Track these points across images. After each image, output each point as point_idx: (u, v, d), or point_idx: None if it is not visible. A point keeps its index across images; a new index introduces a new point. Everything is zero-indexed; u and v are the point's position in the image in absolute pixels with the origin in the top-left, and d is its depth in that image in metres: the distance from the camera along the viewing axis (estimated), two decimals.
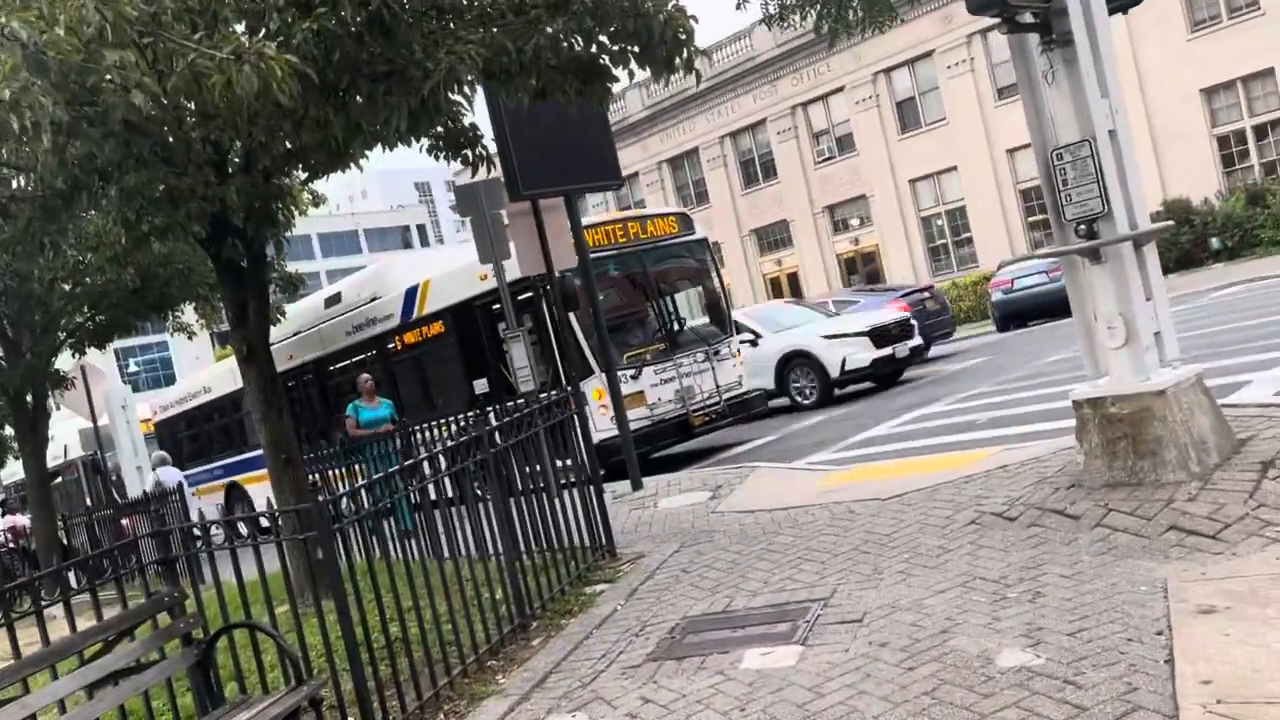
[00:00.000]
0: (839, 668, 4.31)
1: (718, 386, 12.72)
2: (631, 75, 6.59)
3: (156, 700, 5.08)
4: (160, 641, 4.57)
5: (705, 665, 4.75)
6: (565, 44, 5.98)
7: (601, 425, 11.49)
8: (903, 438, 10.43)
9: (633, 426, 11.40)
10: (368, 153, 7.13)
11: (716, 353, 12.91)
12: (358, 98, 5.71)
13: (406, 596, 5.19)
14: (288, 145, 6.62)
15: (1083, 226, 5.63)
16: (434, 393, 14.49)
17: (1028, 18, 5.57)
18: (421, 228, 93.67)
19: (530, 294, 12.03)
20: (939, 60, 33.83)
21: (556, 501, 6.66)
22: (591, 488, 7.02)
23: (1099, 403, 5.66)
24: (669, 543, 7.29)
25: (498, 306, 12.09)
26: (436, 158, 7.22)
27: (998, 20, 5.57)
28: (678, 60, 5.99)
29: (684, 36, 5.95)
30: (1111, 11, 5.79)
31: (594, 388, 11.74)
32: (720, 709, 4.20)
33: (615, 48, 6.11)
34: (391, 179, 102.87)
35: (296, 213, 8.33)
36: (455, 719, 4.95)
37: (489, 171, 7.82)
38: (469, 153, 6.94)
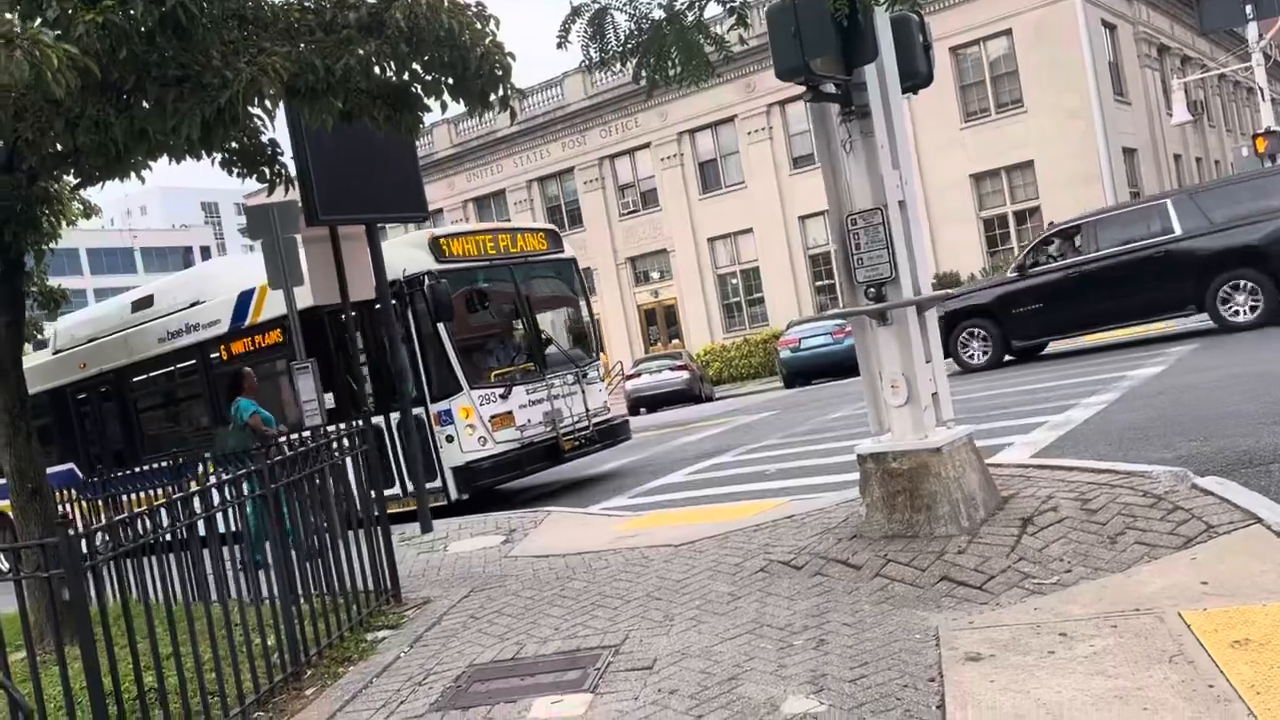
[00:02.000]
0: (627, 716, 4.25)
1: (587, 410, 12.36)
2: (444, 106, 6.48)
3: None
4: None
5: (493, 715, 4.58)
6: (377, 68, 5.80)
7: (469, 446, 11.19)
8: (696, 485, 10.61)
9: (501, 449, 11.31)
10: (152, 163, 6.64)
11: (585, 375, 12.57)
12: (144, 101, 5.30)
13: (167, 643, 4.76)
14: (58, 146, 6.07)
15: (872, 290, 5.92)
16: (269, 408, 13.47)
17: (830, 88, 5.85)
18: (206, 249, 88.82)
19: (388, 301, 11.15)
20: (740, 125, 35.31)
21: (339, 543, 6.31)
22: (377, 528, 6.71)
23: (881, 457, 5.93)
24: (458, 587, 7.06)
25: (350, 315, 11.22)
26: (230, 173, 6.81)
27: (802, 88, 5.82)
28: (493, 96, 5.93)
29: (500, 73, 5.89)
30: (904, 91, 6.17)
31: (461, 405, 11.29)
32: None
33: (429, 77, 5.98)
34: (175, 196, 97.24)
35: (64, 222, 7.64)
36: None
37: (286, 192, 7.46)
38: (266, 170, 6.58)
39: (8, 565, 3.99)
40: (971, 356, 16.03)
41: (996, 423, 10.07)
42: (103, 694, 4.16)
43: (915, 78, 6.20)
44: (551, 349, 12.70)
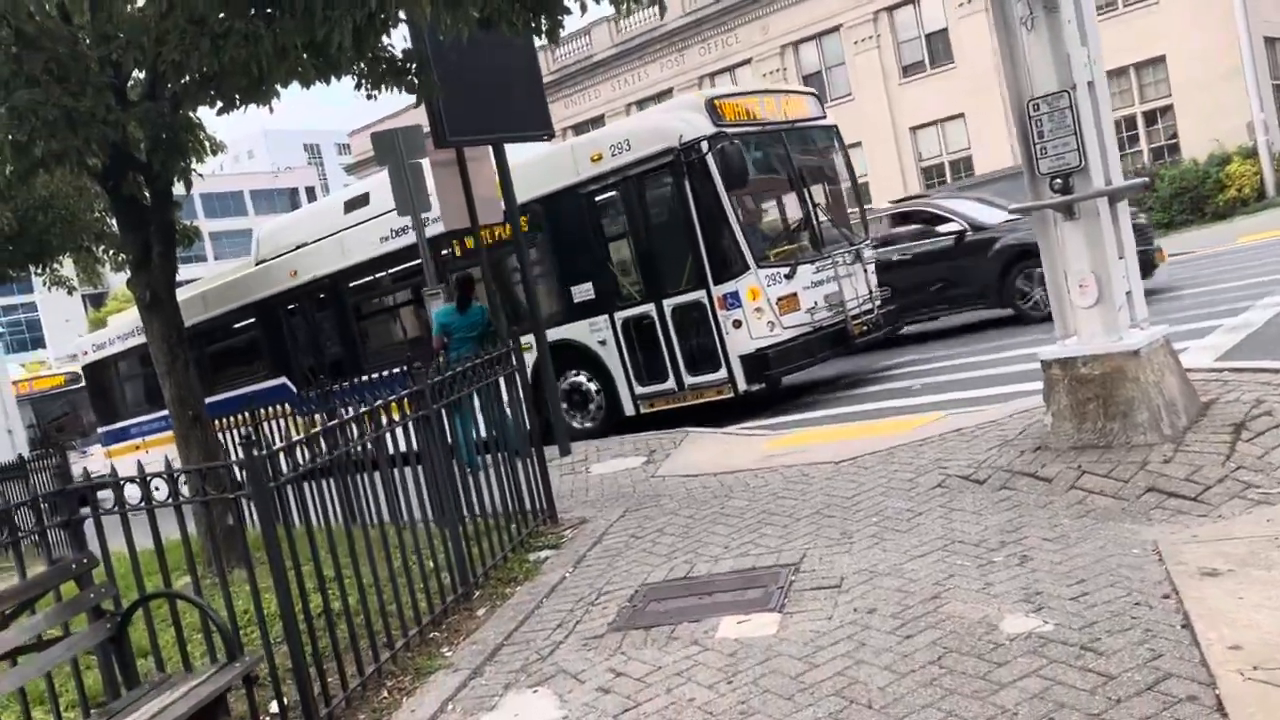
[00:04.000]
0: (827, 636, 4.04)
1: (871, 291, 11.24)
2: (584, 7, 6.14)
3: (59, 681, 4.50)
4: (66, 615, 4.00)
5: (676, 635, 4.42)
6: None
7: (758, 331, 10.07)
8: (835, 402, 10.27)
9: (790, 334, 10.27)
10: (295, 84, 6.49)
11: (861, 255, 11.36)
12: (291, 14, 5.11)
13: (334, 565, 4.71)
14: (204, 68, 5.96)
15: (1058, 181, 5.45)
16: (510, 306, 12.30)
17: None
18: (311, 190, 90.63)
19: (651, 172, 10.40)
20: (846, 35, 33.97)
21: (502, 462, 6.22)
22: (533, 448, 6.60)
23: (1069, 363, 5.51)
24: (612, 508, 6.93)
25: (608, 195, 10.75)
26: (370, 90, 6.61)
27: None
28: None
29: None
30: None
31: (749, 286, 10.11)
32: (704, 681, 3.88)
33: None
34: (279, 139, 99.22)
35: (208, 151, 7.60)
36: (400, 695, 4.51)
37: (418, 105, 7.23)
38: (414, 81, 6.34)
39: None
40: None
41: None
42: (294, 613, 4.11)
43: None
44: (828, 225, 11.39)
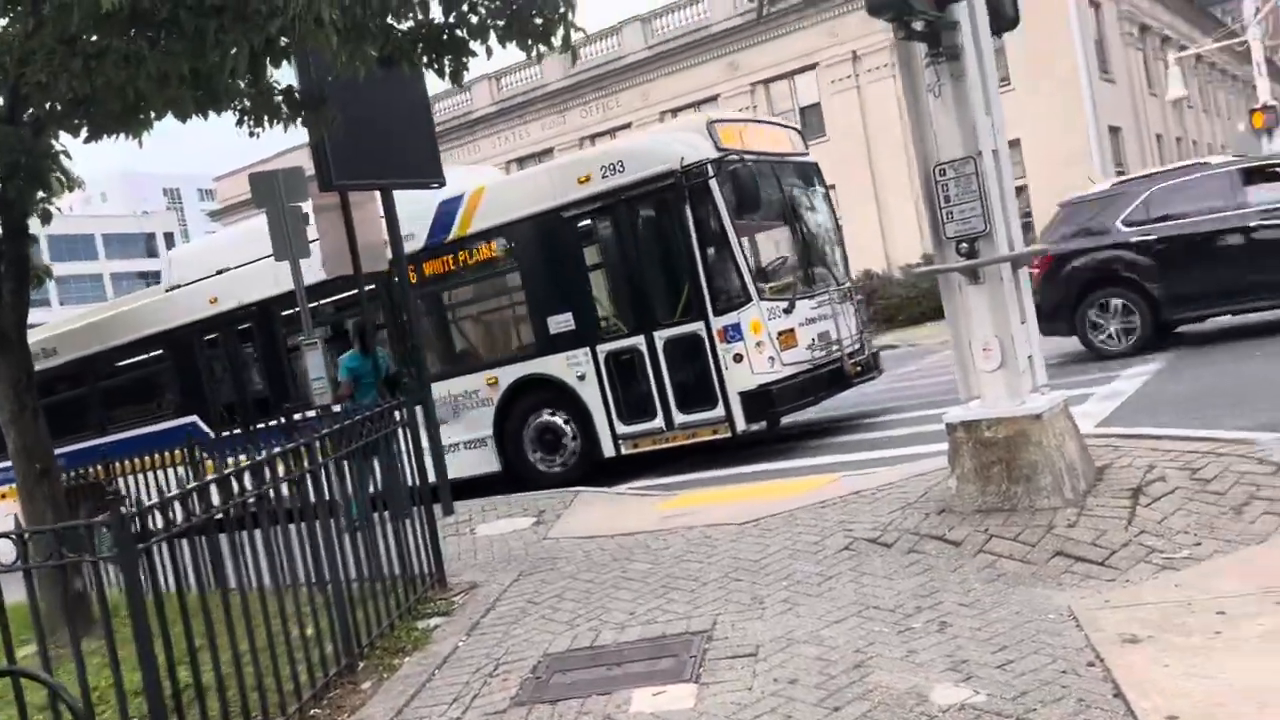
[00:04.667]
0: (749, 709, 3.82)
1: (861, 330, 10.95)
2: (490, 52, 5.96)
3: None
4: None
5: (587, 709, 4.13)
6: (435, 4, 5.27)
7: (760, 366, 9.54)
8: (725, 462, 10.16)
9: (789, 372, 9.78)
10: (162, 117, 6.06)
11: (849, 293, 11.13)
12: (178, 34, 4.74)
13: (207, 632, 4.24)
14: (72, 92, 5.49)
15: (964, 245, 5.51)
16: (478, 342, 11.72)
17: (920, 26, 5.41)
18: (169, 236, 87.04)
19: (661, 193, 9.79)
20: (723, 105, 34.80)
21: (387, 522, 5.82)
22: (422, 507, 6.22)
23: (974, 426, 5.52)
24: (504, 572, 6.58)
25: (595, 219, 10.14)
26: (250, 128, 6.22)
27: (892, 24, 5.39)
28: (556, 36, 5.43)
29: (563, 8, 5.40)
30: (993, 33, 5.75)
31: (751, 318, 9.60)
32: None
33: (482, 10, 5.46)
34: (137, 182, 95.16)
35: (67, 185, 7.03)
36: None
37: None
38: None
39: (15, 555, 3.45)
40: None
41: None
42: (159, 689, 3.66)
43: (1002, 19, 5.78)
44: (819, 261, 11.05)
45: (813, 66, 32.28)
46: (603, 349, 10.24)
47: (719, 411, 9.71)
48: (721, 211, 9.62)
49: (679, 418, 9.94)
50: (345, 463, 5.44)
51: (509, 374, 10.78)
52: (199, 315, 12.71)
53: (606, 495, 8.87)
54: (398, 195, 9.36)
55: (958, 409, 5.70)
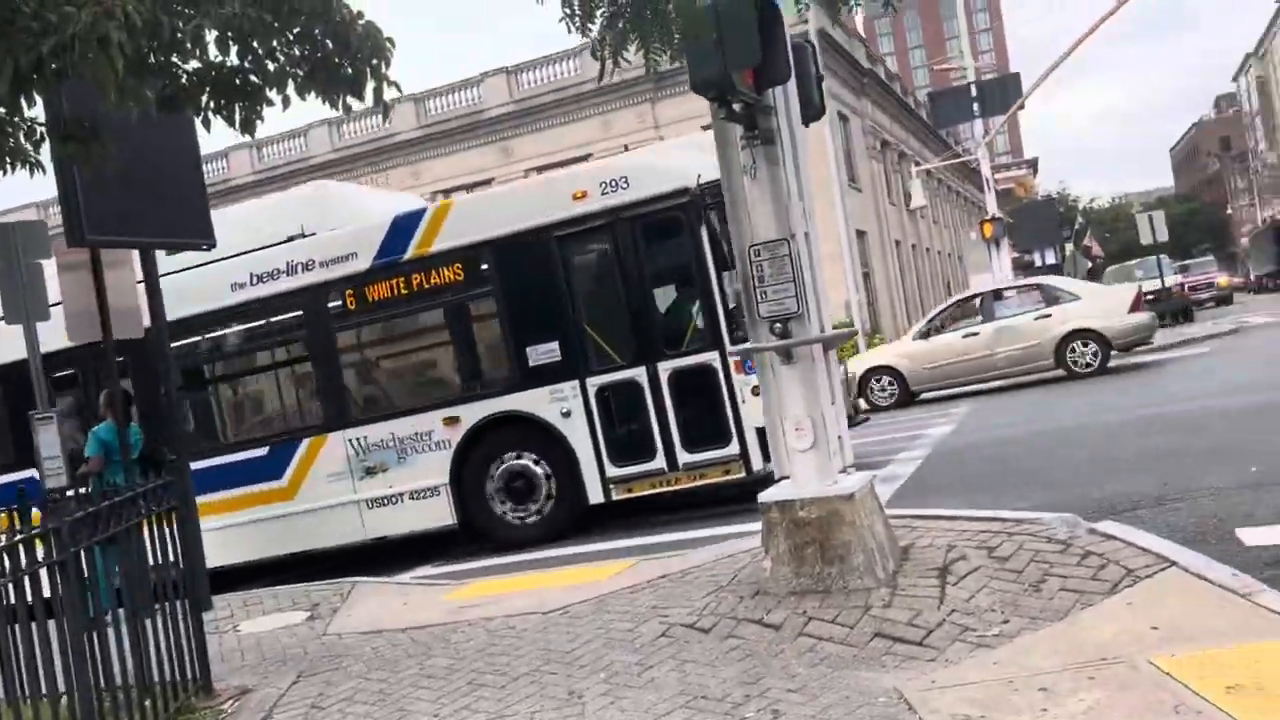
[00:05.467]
0: None
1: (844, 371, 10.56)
2: (286, 102, 5.49)
3: None
4: None
5: None
6: (232, 44, 4.76)
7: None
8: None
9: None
10: None
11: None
12: None
13: None
14: None
15: (778, 325, 5.54)
16: (434, 375, 10.55)
17: (738, 107, 5.47)
18: None
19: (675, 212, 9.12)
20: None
21: (143, 620, 5.04)
22: (185, 602, 5.46)
23: (788, 506, 5.48)
24: (280, 674, 5.87)
25: (592, 239, 9.38)
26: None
27: (713, 103, 5.42)
28: (368, 88, 5.06)
29: (376, 61, 5.05)
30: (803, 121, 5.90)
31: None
32: None
33: (284, 57, 5.02)
34: None
35: None
36: None
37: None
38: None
39: None
40: None
41: None
42: None
43: (810, 107, 5.95)
44: None
45: (586, 157, 32.96)
46: (594, 382, 9.34)
47: (732, 449, 9.03)
48: None
49: (684, 457, 9.14)
50: (87, 553, 4.66)
51: (474, 411, 9.67)
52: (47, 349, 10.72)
53: (389, 585, 8.26)
54: (333, 215, 9.26)
55: (772, 489, 5.66)
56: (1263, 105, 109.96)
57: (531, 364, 9.49)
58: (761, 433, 8.63)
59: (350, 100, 5.18)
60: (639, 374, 9.26)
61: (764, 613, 5.26)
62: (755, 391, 8.47)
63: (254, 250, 10.31)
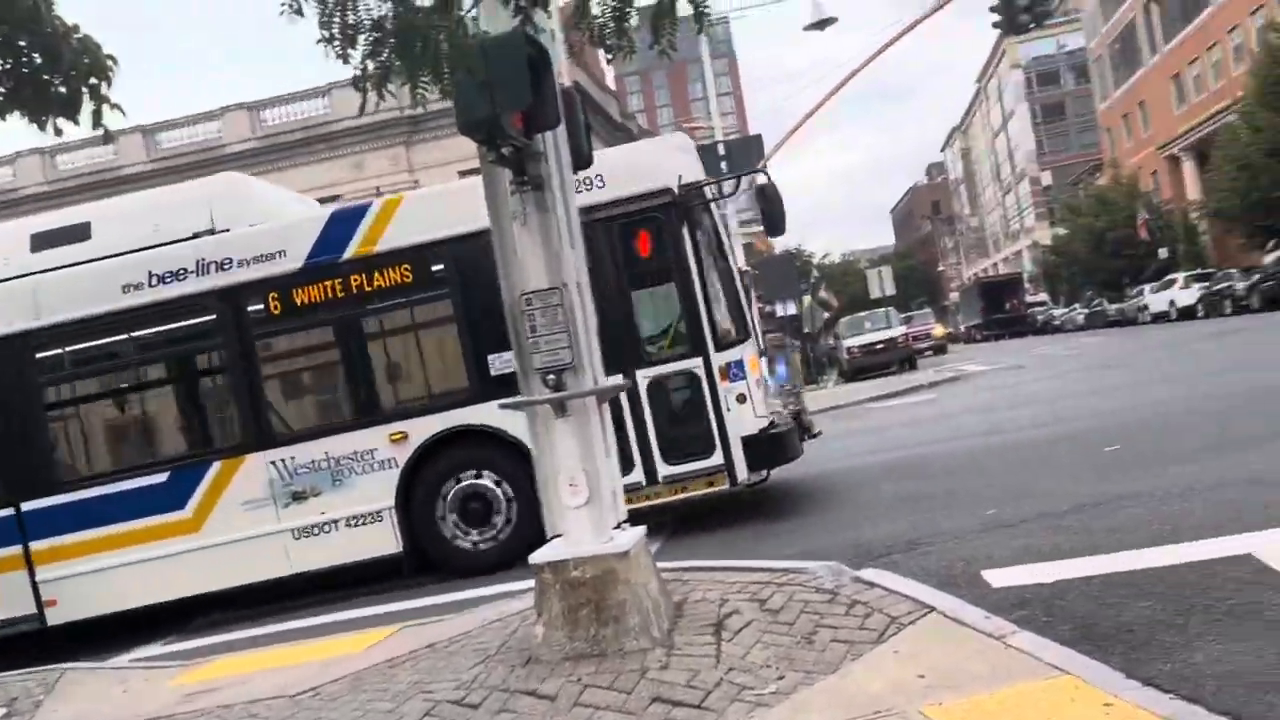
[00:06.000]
0: None
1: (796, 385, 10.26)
2: None
3: None
4: None
5: None
6: None
7: (760, 409, 8.79)
8: (248, 620, 8.89)
9: (777, 417, 9.14)
10: None
11: (783, 341, 10.18)
12: None
13: None
14: None
15: (551, 377, 5.33)
16: (377, 386, 9.40)
17: (508, 151, 5.26)
18: None
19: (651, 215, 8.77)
20: None
21: None
22: None
23: (561, 566, 5.24)
24: None
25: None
26: None
27: (481, 145, 5.18)
28: (85, 110, 4.45)
29: (95, 81, 4.46)
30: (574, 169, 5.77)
31: (750, 355, 8.78)
32: None
33: None
34: None
35: None
36: None
37: None
38: None
39: None
40: None
41: None
42: None
43: (580, 156, 5.83)
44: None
45: (336, 198, 31.76)
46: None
47: (716, 460, 8.69)
48: (724, 238, 9.01)
49: (664, 469, 8.74)
50: None
51: (425, 426, 8.91)
52: None
53: (103, 671, 7.29)
54: (250, 210, 9.11)
55: (544, 548, 5.40)
56: (966, 174, 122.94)
57: (494, 373, 8.86)
58: (747, 442, 8.73)
59: (62, 123, 4.53)
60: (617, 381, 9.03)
61: (538, 683, 4.97)
62: (740, 399, 8.74)
63: (151, 247, 9.25)
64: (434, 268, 9.15)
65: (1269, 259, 33.94)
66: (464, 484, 9.04)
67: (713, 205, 9.08)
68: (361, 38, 4.77)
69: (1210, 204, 39.69)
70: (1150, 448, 9.24)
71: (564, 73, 24.32)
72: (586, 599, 5.19)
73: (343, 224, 9.37)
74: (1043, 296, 68.27)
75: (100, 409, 9.98)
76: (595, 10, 5.01)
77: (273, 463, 9.07)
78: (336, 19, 4.68)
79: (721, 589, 5.85)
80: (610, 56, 5.37)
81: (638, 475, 8.80)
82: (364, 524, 9.04)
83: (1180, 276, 38.07)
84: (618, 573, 5.19)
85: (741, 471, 8.80)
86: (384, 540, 9.05)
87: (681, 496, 8.91)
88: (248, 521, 9.05)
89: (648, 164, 9.23)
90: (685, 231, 8.81)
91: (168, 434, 9.95)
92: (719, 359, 8.69)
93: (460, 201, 9.52)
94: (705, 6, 4.96)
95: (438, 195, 10.44)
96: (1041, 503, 7.57)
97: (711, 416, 8.76)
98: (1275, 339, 20.20)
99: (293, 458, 9.06)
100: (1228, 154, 35.30)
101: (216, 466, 9.15)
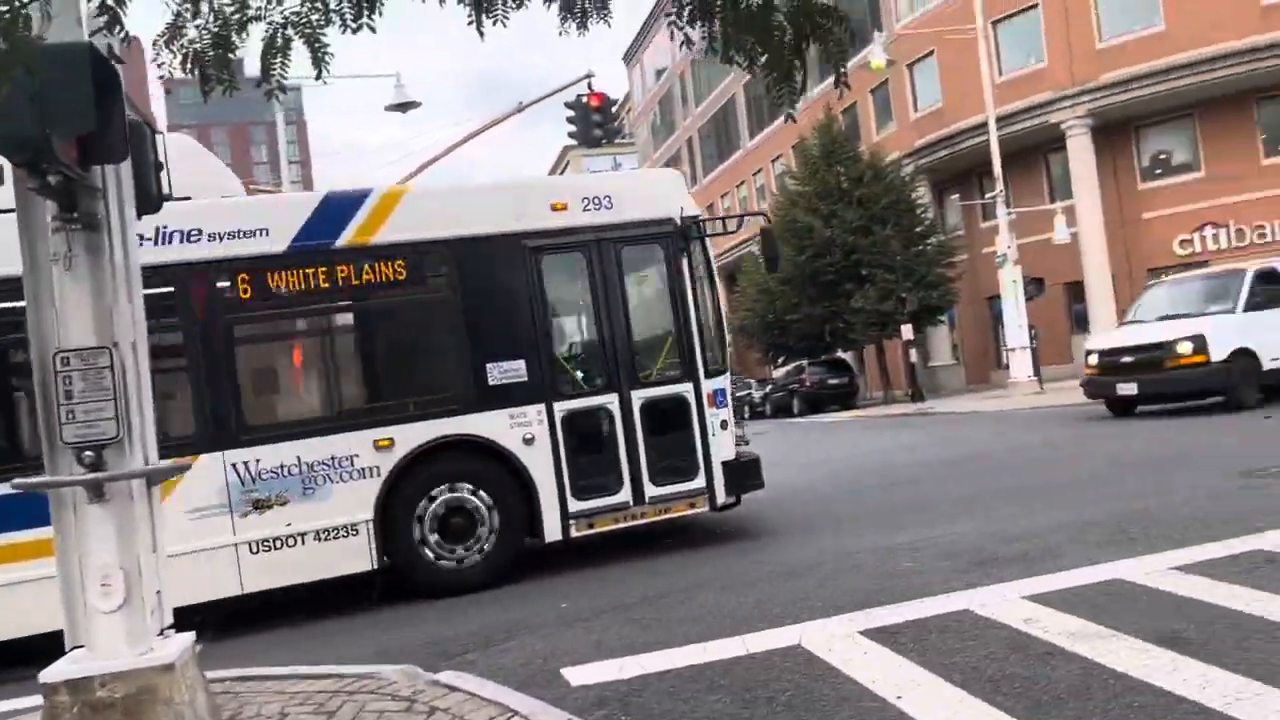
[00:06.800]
0: None
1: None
2: None
3: None
4: None
5: None
6: None
7: (732, 438, 9.28)
8: None
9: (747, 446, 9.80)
10: None
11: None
12: None
13: None
14: None
15: (88, 454, 4.43)
16: (362, 388, 8.79)
17: (55, 180, 4.39)
18: None
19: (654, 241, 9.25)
20: None
21: None
22: None
23: (83, 685, 4.30)
24: None
25: (567, 254, 8.95)
26: None
27: (24, 170, 4.27)
28: None
29: None
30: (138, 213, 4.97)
31: (727, 383, 9.31)
32: None
33: None
34: None
35: None
36: None
37: None
38: None
39: None
40: None
41: None
42: None
43: (148, 199, 5.05)
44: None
45: None
46: (563, 407, 8.73)
47: (699, 483, 9.06)
48: (714, 270, 9.44)
49: (651, 490, 8.89)
50: None
51: (413, 434, 8.42)
52: None
53: None
54: (209, 181, 8.27)
55: (60, 663, 4.40)
56: None
57: (492, 383, 8.64)
58: (726, 467, 9.17)
59: None
60: (611, 401, 8.94)
61: None
62: (724, 425, 9.22)
63: None
64: (435, 268, 8.92)
65: (779, 372, 39.01)
66: (447, 496, 8.57)
67: (763, 232, 10.09)
68: None
69: (735, 321, 44.94)
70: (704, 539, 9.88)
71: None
72: None
73: (338, 208, 8.69)
74: None
75: (17, 391, 8.09)
76: (192, 33, 4.37)
77: (233, 465, 8.09)
78: None
79: (282, 701, 5.19)
80: (207, 88, 4.72)
81: (625, 495, 8.91)
82: (336, 537, 8.28)
83: None
84: (158, 690, 4.36)
85: (720, 494, 9.23)
86: (357, 556, 8.35)
87: (665, 517, 9.16)
88: (195, 532, 7.89)
89: (654, 193, 9.58)
90: (684, 261, 9.28)
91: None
92: (707, 385, 9.18)
93: (469, 202, 9.22)
94: (325, 52, 4.52)
95: (446, 193, 9.61)
96: (615, 592, 7.70)
97: (698, 441, 9.14)
98: (790, 441, 23.00)
99: (257, 460, 8.15)
100: (751, 279, 40.16)
101: None
